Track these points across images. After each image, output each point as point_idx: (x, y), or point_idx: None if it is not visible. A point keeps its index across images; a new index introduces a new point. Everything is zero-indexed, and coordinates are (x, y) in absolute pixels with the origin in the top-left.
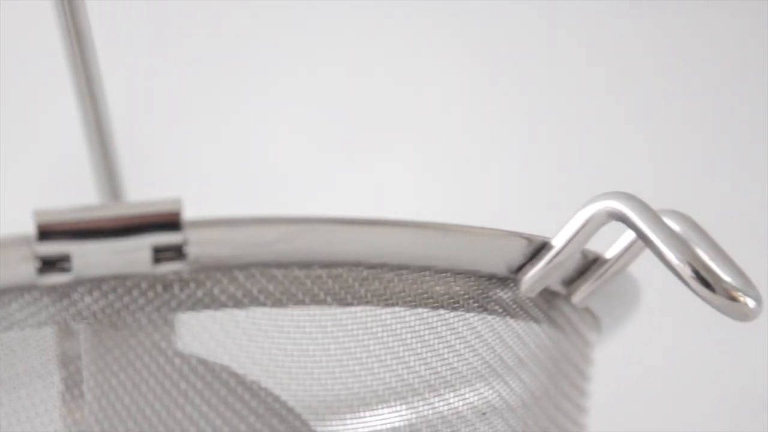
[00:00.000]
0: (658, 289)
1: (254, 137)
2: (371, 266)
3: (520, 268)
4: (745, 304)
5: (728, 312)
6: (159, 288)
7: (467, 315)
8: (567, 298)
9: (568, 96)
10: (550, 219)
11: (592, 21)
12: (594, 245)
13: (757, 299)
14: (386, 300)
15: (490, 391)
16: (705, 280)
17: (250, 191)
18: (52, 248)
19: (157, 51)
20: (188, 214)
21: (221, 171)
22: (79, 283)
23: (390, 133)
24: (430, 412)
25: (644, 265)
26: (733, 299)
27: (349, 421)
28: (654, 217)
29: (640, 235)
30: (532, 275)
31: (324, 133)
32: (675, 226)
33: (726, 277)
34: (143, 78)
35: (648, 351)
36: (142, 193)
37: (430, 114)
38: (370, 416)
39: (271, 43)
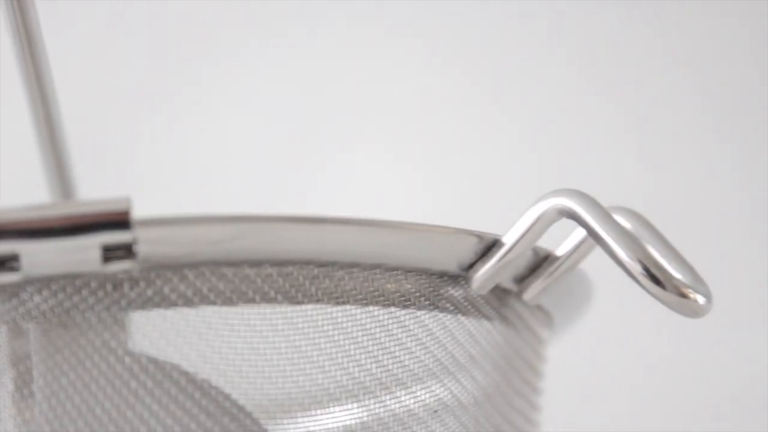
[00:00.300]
0: (612, 286)
1: (207, 135)
2: (322, 264)
3: (472, 266)
4: (695, 301)
5: (678, 309)
6: (109, 287)
7: (418, 313)
8: (518, 295)
9: (520, 93)
10: (504, 216)
11: (542, 19)
12: (548, 242)
13: (707, 296)
14: (337, 298)
15: (442, 389)
16: (655, 277)
17: (202, 190)
18: (1, 247)
19: (108, 49)
20: (139, 213)
21: (174, 170)
22: (28, 282)
23: (346, 131)
24: (382, 410)
25: (598, 262)
26: (684, 296)
27: (300, 420)
28: (604, 214)
29: (590, 232)
30: (483, 273)
31: (278, 131)
32: (625, 223)
33: (676, 274)
34: (95, 76)
35: (602, 348)
36: (95, 192)
37: (385, 112)
38: (322, 415)
39: (225, 41)
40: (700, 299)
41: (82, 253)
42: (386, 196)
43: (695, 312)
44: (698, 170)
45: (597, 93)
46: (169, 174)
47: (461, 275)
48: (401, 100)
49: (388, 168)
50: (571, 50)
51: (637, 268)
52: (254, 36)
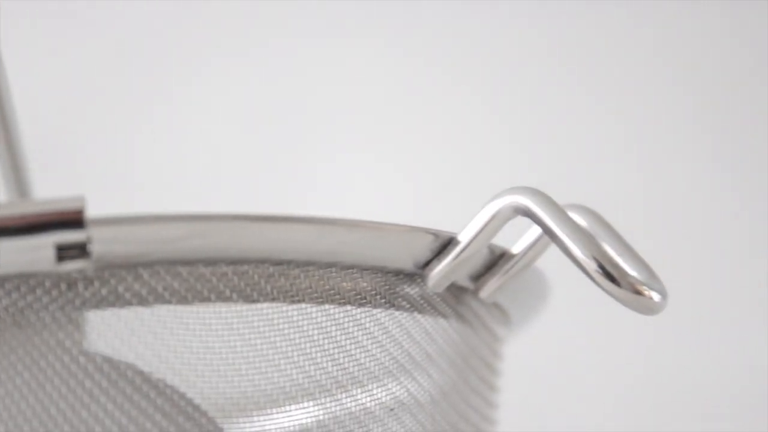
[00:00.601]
0: (569, 283)
1: (162, 134)
2: (277, 263)
3: (427, 264)
4: (651, 298)
5: (633, 306)
6: (63, 286)
7: (374, 311)
8: (475, 293)
9: (475, 91)
10: (462, 214)
11: (488, 19)
12: (506, 239)
13: (662, 293)
14: (293, 297)
15: (399, 388)
16: (610, 274)
17: (158, 188)
18: None
19: (63, 48)
20: (93, 212)
21: (129, 168)
22: None
23: (301, 129)
24: (339, 409)
25: (557, 260)
26: (639, 293)
27: (257, 420)
28: (559, 211)
29: (545, 229)
30: (439, 271)
31: (232, 130)
32: (581, 220)
33: (631, 272)
34: (50, 74)
35: (560, 346)
36: (50, 191)
37: (338, 110)
38: (278, 414)
39: (179, 41)
40: (655, 296)
41: (36, 252)
42: (337, 193)
43: (650, 309)
44: (668, 166)
45: (553, 89)
46: (125, 172)
47: (417, 273)
48: (346, 95)
49: (351, 167)
50: (530, 47)
51: (592, 266)
52: (207, 35)
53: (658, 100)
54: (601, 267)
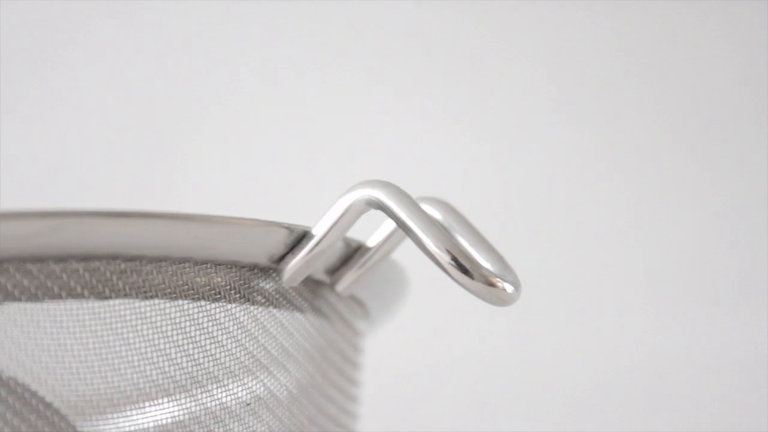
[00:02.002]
0: (429, 276)
1: (38, 131)
2: (129, 259)
3: (282, 258)
4: (504, 290)
5: (487, 298)
6: None
7: (229, 306)
8: (331, 286)
9: (339, 87)
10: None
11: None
12: (365, 232)
13: (515, 284)
14: (146, 293)
15: (256, 383)
16: (463, 266)
17: (18, 186)
18: None
19: None
20: None
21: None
22: None
23: (180, 122)
24: (195, 406)
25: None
26: (491, 285)
27: (111, 418)
28: (412, 204)
29: (398, 222)
30: (293, 265)
31: (116, 126)
32: (435, 213)
33: (484, 264)
34: None
35: (425, 339)
36: None
37: (209, 106)
38: (134, 412)
39: (65, 38)
40: (509, 288)
41: None
42: (202, 191)
43: (503, 300)
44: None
45: (412, 81)
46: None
47: (272, 268)
48: (229, 90)
49: (207, 160)
50: (380, 37)
51: (445, 258)
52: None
53: (518, 97)
54: (454, 259)
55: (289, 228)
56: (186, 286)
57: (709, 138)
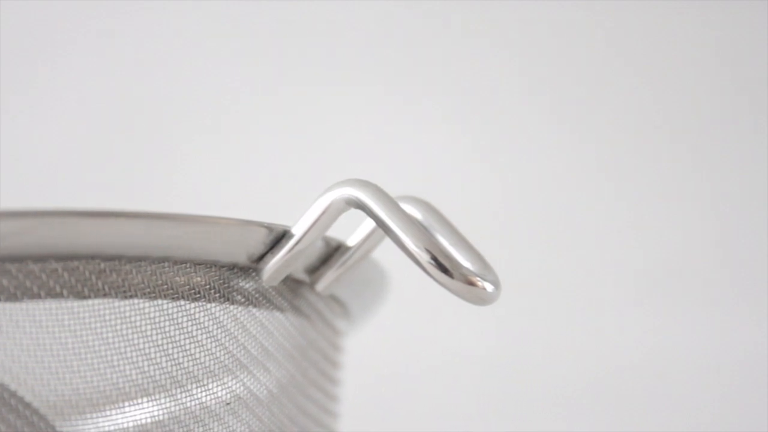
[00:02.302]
0: (409, 275)
1: (35, 131)
2: (108, 258)
3: (261, 258)
4: (484, 289)
5: (466, 297)
6: None
7: (209, 305)
8: (311, 286)
9: (323, 84)
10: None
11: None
12: (345, 231)
13: (495, 284)
14: (125, 292)
15: (236, 382)
16: (443, 265)
17: (16, 187)
18: None
19: None
20: None
21: None
22: None
23: (162, 122)
24: (175, 406)
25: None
26: (471, 284)
27: (91, 418)
28: (391, 203)
29: (378, 221)
30: (273, 264)
31: (105, 126)
32: (415, 212)
33: (464, 263)
34: None
35: (405, 338)
36: None
37: (193, 105)
38: (114, 412)
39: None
40: (489, 287)
41: None
42: (181, 191)
43: (483, 300)
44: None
45: (393, 80)
46: None
47: (251, 267)
48: (209, 91)
49: (185, 160)
50: (365, 36)
51: (424, 257)
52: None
53: (508, 101)
54: (434, 258)
55: (269, 227)
56: (165, 286)
57: (709, 138)
